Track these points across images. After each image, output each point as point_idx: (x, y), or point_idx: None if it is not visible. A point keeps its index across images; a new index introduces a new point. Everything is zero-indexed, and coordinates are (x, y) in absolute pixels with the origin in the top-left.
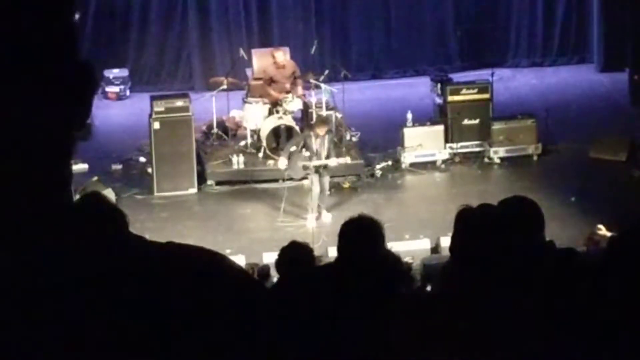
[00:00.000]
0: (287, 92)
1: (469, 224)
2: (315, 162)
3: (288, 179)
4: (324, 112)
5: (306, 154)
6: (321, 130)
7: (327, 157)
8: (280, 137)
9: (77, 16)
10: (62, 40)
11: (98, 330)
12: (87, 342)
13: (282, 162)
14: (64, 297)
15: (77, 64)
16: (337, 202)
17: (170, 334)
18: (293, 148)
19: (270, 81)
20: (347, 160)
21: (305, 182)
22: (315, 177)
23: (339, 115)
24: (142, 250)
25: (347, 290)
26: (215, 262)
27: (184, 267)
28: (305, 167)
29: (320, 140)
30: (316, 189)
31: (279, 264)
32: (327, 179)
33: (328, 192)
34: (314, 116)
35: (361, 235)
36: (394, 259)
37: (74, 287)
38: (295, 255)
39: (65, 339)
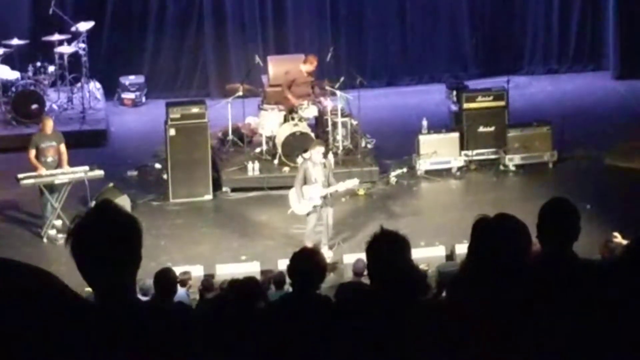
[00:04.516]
0: (307, 95)
1: (486, 235)
2: (324, 192)
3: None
4: (339, 119)
5: (312, 186)
6: (317, 154)
7: (330, 184)
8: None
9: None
10: None
11: None
12: None
13: (304, 208)
14: None
15: None
16: (353, 209)
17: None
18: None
19: (291, 84)
20: (355, 182)
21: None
22: (314, 215)
23: (355, 122)
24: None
25: (370, 300)
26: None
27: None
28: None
29: (318, 168)
30: (311, 222)
31: (290, 269)
32: (330, 211)
33: (331, 222)
34: (329, 123)
35: (391, 251)
36: (413, 267)
37: None
38: (306, 261)
39: None
